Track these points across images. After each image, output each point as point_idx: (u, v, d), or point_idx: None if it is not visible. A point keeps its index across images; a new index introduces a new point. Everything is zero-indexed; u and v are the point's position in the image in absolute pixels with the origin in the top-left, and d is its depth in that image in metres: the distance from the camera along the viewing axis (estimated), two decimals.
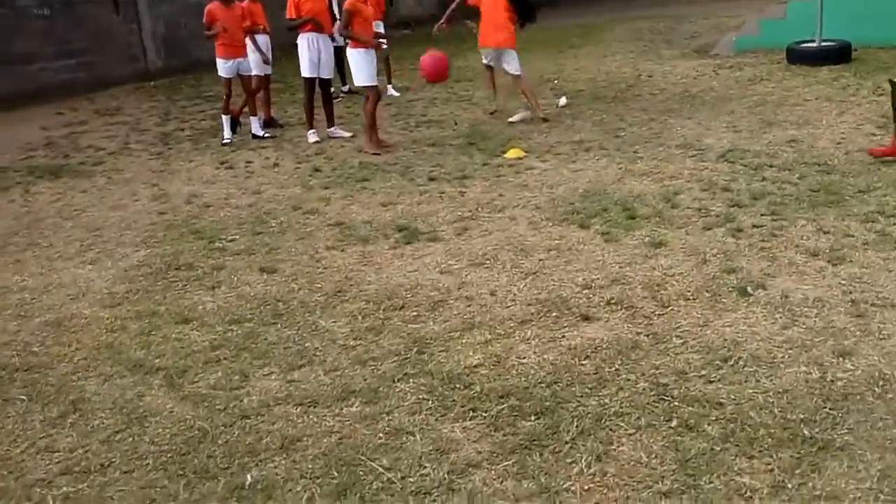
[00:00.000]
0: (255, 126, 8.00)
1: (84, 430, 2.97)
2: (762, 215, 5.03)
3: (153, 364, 3.48)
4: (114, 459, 2.78)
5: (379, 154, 7.09)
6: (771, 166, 6.03)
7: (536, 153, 6.95)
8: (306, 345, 3.63)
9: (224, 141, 7.76)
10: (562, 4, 25.07)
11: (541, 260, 4.54)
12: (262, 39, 8.14)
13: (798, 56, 9.92)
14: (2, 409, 3.14)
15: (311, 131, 7.73)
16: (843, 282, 4.02)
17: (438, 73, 7.65)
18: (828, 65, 9.57)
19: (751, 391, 3.15)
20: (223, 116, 7.86)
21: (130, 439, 2.91)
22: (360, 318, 3.90)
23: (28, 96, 10.79)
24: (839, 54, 9.73)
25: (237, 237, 5.14)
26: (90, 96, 10.78)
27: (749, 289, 4.01)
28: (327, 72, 7.65)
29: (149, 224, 5.42)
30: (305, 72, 7.54)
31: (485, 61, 8.50)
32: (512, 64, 8.21)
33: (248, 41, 7.92)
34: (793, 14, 11.27)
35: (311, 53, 7.48)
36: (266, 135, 8.00)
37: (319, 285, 4.32)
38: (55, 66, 11.76)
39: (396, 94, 10.14)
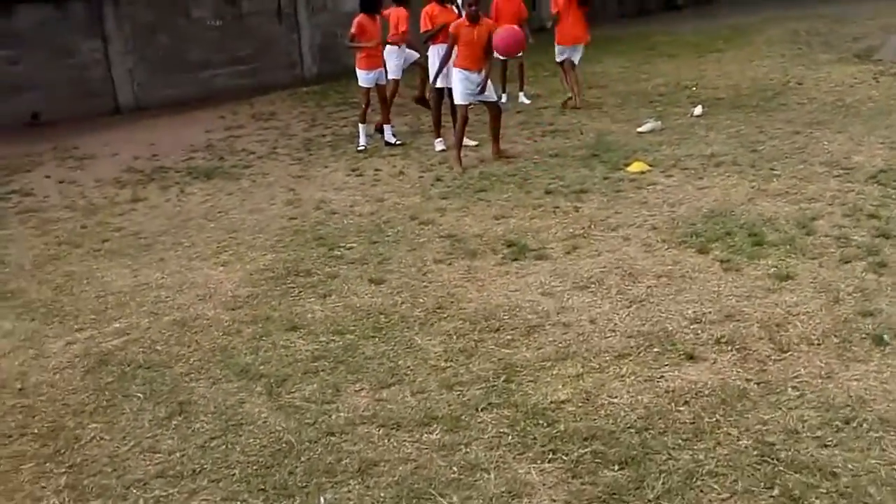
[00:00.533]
0: (388, 134, 8.13)
1: (185, 433, 3.10)
2: None
3: (258, 371, 3.58)
4: (206, 466, 2.88)
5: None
6: None
7: (662, 167, 6.51)
8: (399, 362, 3.58)
9: (359, 148, 7.95)
10: (715, 2, 23.59)
11: (649, 287, 4.22)
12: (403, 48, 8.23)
13: None
14: (120, 405, 3.35)
15: (438, 140, 7.72)
16: None
17: (510, 47, 7.13)
18: None
19: (873, 461, 2.72)
20: (360, 125, 8.05)
21: (224, 447, 3.00)
22: (455, 337, 3.81)
23: (200, 100, 11.66)
24: None
25: (355, 245, 5.21)
26: (251, 101, 11.44)
27: (886, 337, 3.49)
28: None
29: (279, 228, 5.63)
30: (434, 82, 7.53)
31: (560, 58, 9.17)
32: (580, 55, 9.20)
33: (389, 48, 8.04)
34: None
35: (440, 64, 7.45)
36: (398, 142, 8.10)
37: (422, 300, 4.27)
38: (224, 73, 12.61)
39: (527, 101, 9.92)
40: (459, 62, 6.92)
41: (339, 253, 5.09)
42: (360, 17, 7.79)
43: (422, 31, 7.82)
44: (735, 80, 10.07)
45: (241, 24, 12.85)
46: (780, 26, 14.74)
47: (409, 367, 3.54)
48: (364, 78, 7.91)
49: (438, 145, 7.67)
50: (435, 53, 7.53)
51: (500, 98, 9.86)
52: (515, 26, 7.58)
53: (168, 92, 11.79)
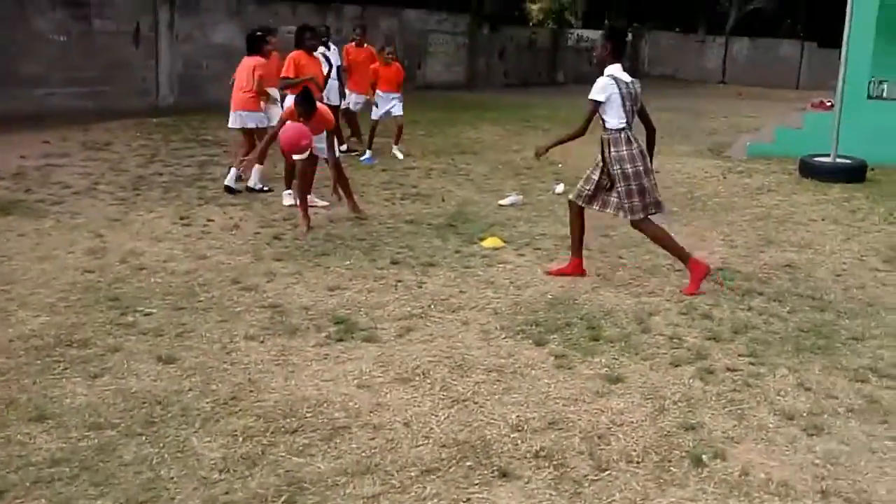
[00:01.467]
0: (255, 179, 7.58)
1: None
2: (740, 356, 4.36)
3: None
4: None
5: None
6: (761, 293, 5.37)
7: (516, 244, 6.36)
8: (161, 472, 2.98)
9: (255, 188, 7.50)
10: (592, 80, 24.91)
11: (477, 383, 3.89)
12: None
13: (811, 170, 9.34)
14: None
15: (287, 192, 7.23)
16: (816, 461, 3.32)
17: (293, 144, 6.36)
18: (841, 182, 8.98)
19: None
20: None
21: None
22: (241, 439, 3.26)
23: (29, 119, 10.51)
24: (854, 172, 9.14)
25: (155, 311, 4.55)
26: (87, 126, 10.44)
27: (705, 457, 3.32)
28: None
29: (67, 283, 4.87)
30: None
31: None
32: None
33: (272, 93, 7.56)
34: (810, 125, 10.74)
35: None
36: (264, 188, 7.57)
37: (215, 387, 3.69)
38: (63, 92, 11.52)
39: (400, 156, 9.73)
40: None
41: (131, 319, 4.41)
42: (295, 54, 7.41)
43: (282, 75, 7.40)
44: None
45: (90, 41, 11.88)
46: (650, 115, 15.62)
47: (171, 478, 2.94)
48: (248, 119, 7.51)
49: (287, 199, 7.18)
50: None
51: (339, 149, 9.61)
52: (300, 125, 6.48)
53: None
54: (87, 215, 6.42)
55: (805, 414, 3.73)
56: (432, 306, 4.93)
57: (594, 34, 25.18)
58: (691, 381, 4.02)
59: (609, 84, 5.16)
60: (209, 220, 6.52)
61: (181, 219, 6.51)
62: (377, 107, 9.72)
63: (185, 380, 3.74)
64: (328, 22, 14.39)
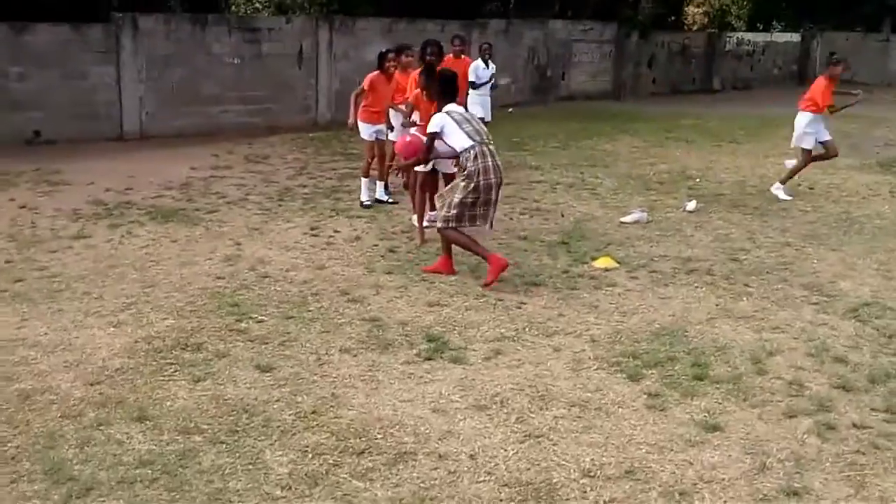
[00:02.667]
0: (380, 191, 7.74)
1: None
2: (873, 410, 3.71)
3: (70, 471, 3.06)
4: None
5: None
6: None
7: (630, 266, 5.92)
8: (230, 483, 3.03)
9: (364, 203, 7.55)
10: (754, 88, 22.96)
11: (556, 418, 3.62)
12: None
13: None
14: None
15: (366, 180, 7.36)
16: None
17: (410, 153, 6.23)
18: None
19: None
20: (362, 179, 7.68)
21: None
22: (310, 456, 3.25)
23: (206, 135, 11.50)
24: None
25: (266, 319, 4.71)
26: (252, 141, 11.22)
27: None
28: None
29: (199, 288, 5.19)
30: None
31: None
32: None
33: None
34: None
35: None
36: (389, 200, 7.70)
37: (301, 399, 3.73)
38: (235, 110, 12.47)
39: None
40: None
41: (244, 325, 4.59)
42: (373, 76, 7.55)
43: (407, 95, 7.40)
44: (743, 175, 9.44)
45: (260, 63, 12.77)
46: None
47: (237, 491, 2.98)
48: (365, 131, 7.58)
49: (417, 220, 7.11)
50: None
51: None
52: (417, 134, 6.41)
53: (175, 123, 11.68)
54: (233, 224, 6.85)
55: None
56: (527, 329, 4.68)
57: (760, 37, 23.16)
58: (806, 436, 3.47)
59: (441, 117, 5.46)
60: (335, 231, 6.70)
61: (311, 229, 6.75)
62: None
63: (276, 389, 3.81)
64: (474, 37, 14.43)
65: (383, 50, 7.91)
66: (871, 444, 3.41)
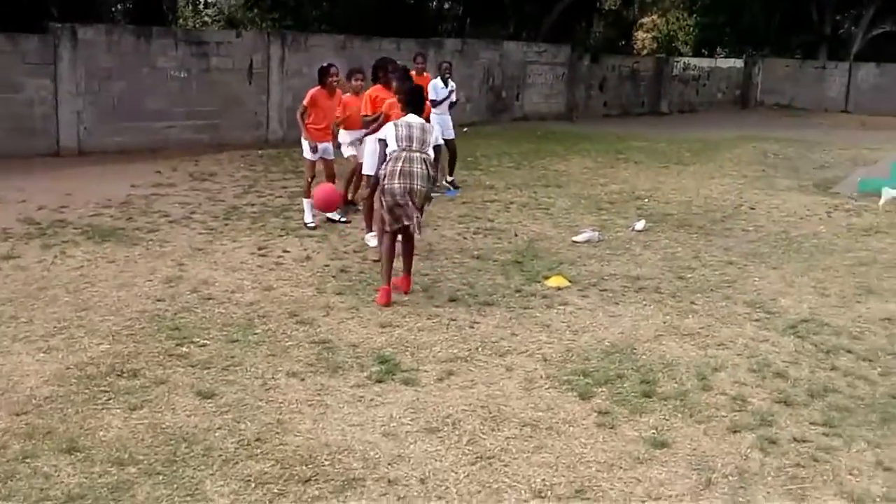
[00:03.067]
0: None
1: None
2: (812, 424, 3.80)
3: None
4: None
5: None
6: (849, 351, 4.71)
7: (581, 284, 5.97)
8: None
9: (309, 223, 7.36)
10: (699, 111, 23.71)
11: (508, 438, 3.59)
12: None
13: None
14: None
15: (371, 234, 6.85)
16: None
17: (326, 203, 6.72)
18: None
19: None
20: (304, 200, 7.50)
21: None
22: (253, 486, 3.13)
23: (150, 151, 11.21)
24: None
25: (209, 342, 4.57)
26: (198, 157, 10.98)
27: None
28: None
29: (137, 311, 5.00)
30: (369, 169, 7.02)
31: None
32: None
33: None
34: None
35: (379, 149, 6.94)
36: (342, 219, 7.57)
37: (244, 426, 3.60)
38: (182, 125, 12.21)
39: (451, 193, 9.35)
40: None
41: (185, 350, 4.43)
42: (314, 91, 7.44)
43: (362, 113, 7.35)
44: (689, 196, 9.70)
45: (208, 78, 12.55)
46: (751, 146, 14.58)
47: None
48: (308, 149, 7.42)
49: (371, 240, 6.83)
50: (373, 139, 7.01)
51: (443, 186, 9.48)
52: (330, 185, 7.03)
53: (116, 139, 11.36)
54: (176, 244, 6.65)
55: (878, 499, 3.15)
56: (480, 349, 4.66)
57: (705, 62, 24.01)
58: (749, 451, 3.53)
59: (389, 125, 5.64)
60: (285, 252, 6.57)
61: (259, 249, 6.60)
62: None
63: (218, 416, 3.68)
64: (430, 55, 14.51)
65: (324, 64, 7.78)
66: (811, 457, 3.49)
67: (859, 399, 4.07)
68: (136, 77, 11.54)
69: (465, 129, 10.73)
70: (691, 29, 28.32)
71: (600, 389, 4.13)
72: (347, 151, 7.74)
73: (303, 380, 4.15)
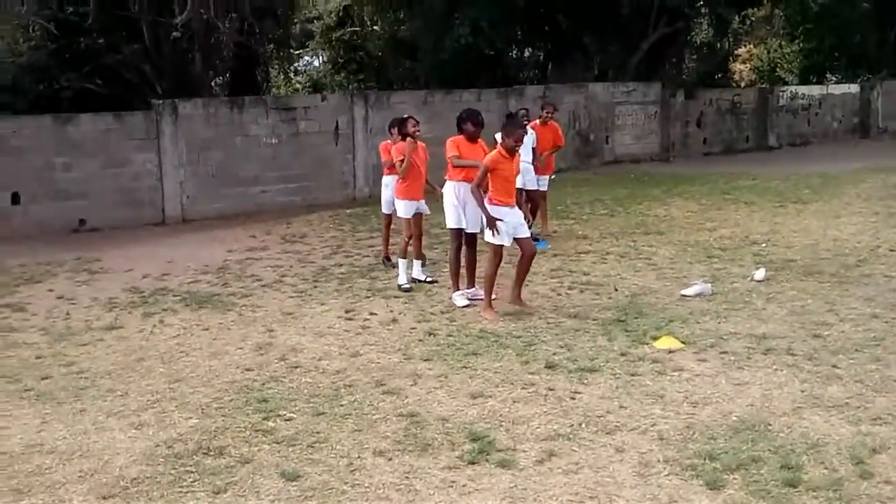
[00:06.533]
0: (417, 270, 7.40)
1: None
2: None
3: None
4: None
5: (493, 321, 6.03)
6: None
7: (696, 346, 5.43)
8: None
9: (403, 287, 7.12)
10: (813, 143, 22.13)
11: None
12: None
13: None
14: None
15: (458, 293, 6.69)
16: None
17: None
18: None
19: None
20: (399, 260, 7.32)
21: None
22: None
23: (247, 215, 11.58)
24: None
25: (296, 416, 4.42)
26: (290, 219, 11.22)
27: None
28: (473, 225, 6.85)
29: (226, 382, 4.94)
30: (451, 222, 6.86)
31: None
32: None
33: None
34: None
35: (457, 201, 6.77)
36: (428, 279, 7.36)
37: None
38: (275, 189, 12.59)
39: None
40: (496, 196, 6.23)
41: (272, 425, 4.30)
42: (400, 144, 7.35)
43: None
44: (814, 238, 8.76)
45: (297, 141, 12.95)
46: (879, 178, 13.19)
47: None
48: (404, 208, 7.26)
49: (459, 300, 6.62)
50: (451, 190, 6.85)
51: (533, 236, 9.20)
52: None
53: (216, 205, 11.81)
54: (267, 309, 6.66)
55: None
56: (584, 425, 4.25)
57: (815, 90, 22.36)
58: None
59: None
60: (371, 314, 6.43)
61: (346, 312, 6.50)
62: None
63: (302, 502, 3.48)
64: (511, 105, 14.44)
65: (403, 116, 7.62)
66: None
67: None
68: (231, 146, 12.04)
69: (552, 177, 10.40)
70: (795, 56, 26.71)
71: (732, 477, 3.61)
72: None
73: (390, 459, 3.90)
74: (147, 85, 14.69)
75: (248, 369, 5.18)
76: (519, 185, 9.34)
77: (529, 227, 9.21)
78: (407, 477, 3.72)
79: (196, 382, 4.95)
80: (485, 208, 6.16)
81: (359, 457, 3.92)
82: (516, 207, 6.48)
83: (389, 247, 8.14)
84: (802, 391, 4.57)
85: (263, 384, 4.91)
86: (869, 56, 23.90)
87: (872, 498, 3.39)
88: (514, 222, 6.29)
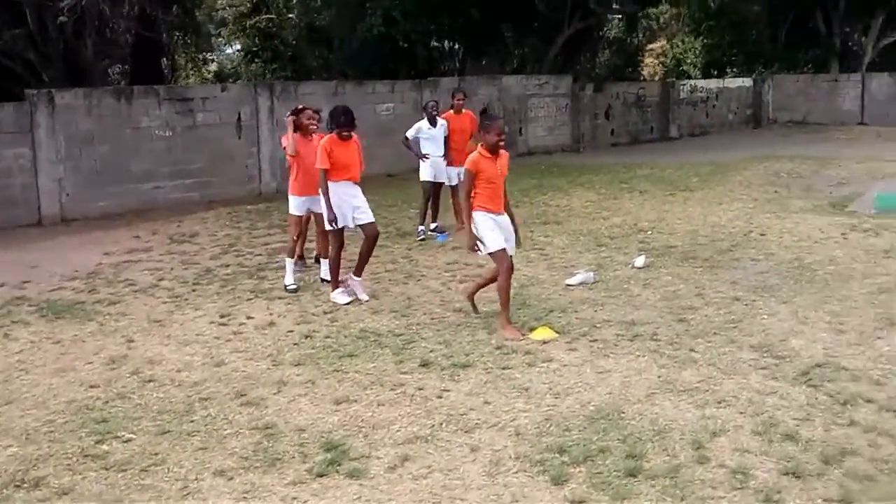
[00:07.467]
0: (324, 270, 6.92)
1: None
2: (826, 501, 3.12)
3: None
4: None
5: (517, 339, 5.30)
6: (870, 401, 4.04)
7: (570, 336, 5.35)
8: None
9: (289, 286, 6.73)
10: (711, 134, 23.00)
11: None
12: None
13: None
14: None
15: (339, 290, 6.43)
16: None
17: None
18: None
19: None
20: (287, 259, 6.92)
21: None
22: None
23: (136, 213, 10.89)
24: None
25: (136, 436, 4.02)
26: (182, 217, 10.61)
27: None
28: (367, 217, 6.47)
29: (64, 402, 4.48)
30: (339, 222, 6.49)
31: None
32: None
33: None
34: None
35: (339, 201, 6.43)
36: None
37: None
38: (170, 185, 11.91)
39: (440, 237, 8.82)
40: (481, 203, 5.53)
41: (105, 448, 3.89)
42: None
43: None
44: (695, 225, 9.00)
45: (194, 134, 12.29)
46: (763, 166, 13.82)
47: None
48: (294, 205, 6.87)
49: (340, 298, 6.36)
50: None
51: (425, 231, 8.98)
52: None
53: (101, 204, 11.06)
54: (133, 317, 6.16)
55: None
56: (444, 424, 4.06)
57: (713, 83, 23.36)
58: None
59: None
60: (248, 318, 6.04)
61: (221, 317, 6.08)
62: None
63: None
64: (425, 96, 14.15)
65: (298, 107, 7.21)
66: None
67: (883, 462, 3.38)
68: (119, 139, 11.29)
69: (460, 171, 10.24)
70: (698, 52, 27.81)
71: (577, 470, 3.50)
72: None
73: (231, 479, 3.57)
74: (32, 74, 13.68)
75: (92, 386, 4.72)
76: (431, 178, 9.18)
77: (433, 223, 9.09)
78: (245, 497, 3.40)
79: (29, 404, 4.47)
80: (469, 219, 5.57)
81: (196, 479, 3.58)
82: (505, 214, 5.64)
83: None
84: (659, 377, 4.54)
85: (106, 402, 4.47)
86: (763, 52, 25.04)
87: (706, 483, 3.34)
88: (506, 232, 5.60)
